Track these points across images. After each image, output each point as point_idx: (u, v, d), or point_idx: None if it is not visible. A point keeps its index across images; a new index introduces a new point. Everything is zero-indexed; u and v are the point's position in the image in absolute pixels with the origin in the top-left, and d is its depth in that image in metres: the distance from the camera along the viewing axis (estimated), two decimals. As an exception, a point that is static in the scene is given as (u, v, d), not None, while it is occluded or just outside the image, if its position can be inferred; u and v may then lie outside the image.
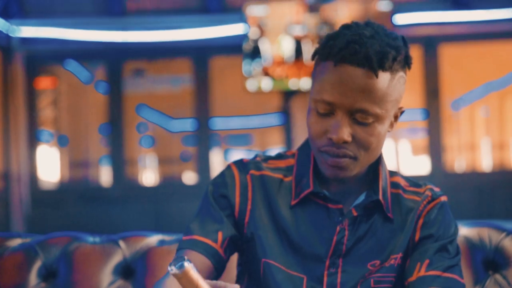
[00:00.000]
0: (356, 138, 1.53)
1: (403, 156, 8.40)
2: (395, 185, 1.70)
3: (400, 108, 1.61)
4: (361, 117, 1.51)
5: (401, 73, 1.55)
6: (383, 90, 1.51)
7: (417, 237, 1.64)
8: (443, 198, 1.69)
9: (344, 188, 1.65)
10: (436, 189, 1.70)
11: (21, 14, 7.81)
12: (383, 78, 1.50)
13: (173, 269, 1.14)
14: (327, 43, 1.54)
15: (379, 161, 1.68)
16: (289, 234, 1.63)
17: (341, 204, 1.63)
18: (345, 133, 1.51)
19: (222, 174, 1.72)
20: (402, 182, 1.71)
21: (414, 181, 1.72)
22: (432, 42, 7.78)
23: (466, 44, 8.03)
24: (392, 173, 1.73)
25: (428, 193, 1.68)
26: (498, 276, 1.95)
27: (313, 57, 1.59)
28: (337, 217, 1.62)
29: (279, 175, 1.70)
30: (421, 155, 8.02)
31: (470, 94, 8.33)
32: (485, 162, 8.35)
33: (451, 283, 1.58)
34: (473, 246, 1.98)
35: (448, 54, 7.90)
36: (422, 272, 1.59)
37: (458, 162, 8.40)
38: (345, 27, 1.56)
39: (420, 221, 1.65)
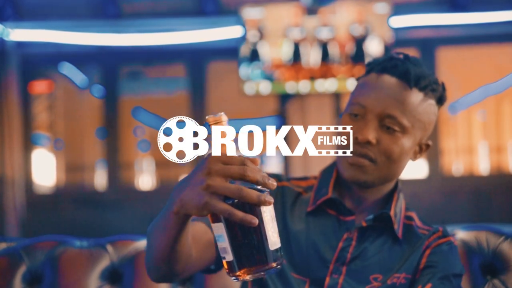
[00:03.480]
0: (380, 143, 1.63)
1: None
2: (409, 218, 1.77)
3: (427, 140, 1.74)
4: (389, 122, 1.63)
5: (433, 102, 1.71)
6: (414, 104, 1.65)
7: (422, 264, 1.66)
8: (453, 240, 1.72)
9: (359, 204, 1.72)
10: (449, 232, 1.75)
11: (15, 17, 7.77)
12: (416, 94, 1.66)
13: (210, 116, 1.25)
14: (374, 61, 1.73)
15: (395, 188, 1.76)
16: (299, 240, 1.68)
17: (354, 216, 1.71)
18: (370, 134, 1.61)
19: None
20: (417, 219, 1.78)
21: (428, 223, 1.79)
22: (429, 44, 7.75)
23: (463, 47, 8.01)
24: (409, 209, 1.79)
25: (440, 228, 1.74)
26: (496, 281, 1.92)
27: (358, 79, 1.76)
28: (347, 227, 1.69)
29: (298, 190, 1.79)
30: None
31: (467, 97, 8.30)
32: (483, 166, 8.32)
33: None
34: (470, 250, 1.95)
35: (445, 57, 7.87)
36: None
37: (455, 166, 8.36)
38: (394, 53, 1.76)
39: (428, 251, 1.68)
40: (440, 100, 1.75)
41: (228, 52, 7.56)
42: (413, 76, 1.66)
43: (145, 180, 8.65)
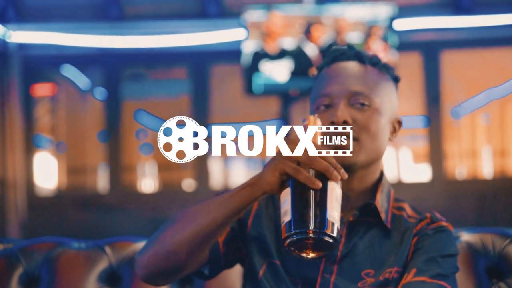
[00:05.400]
0: (356, 121, 1.63)
1: (403, 164, 8.35)
2: (400, 208, 1.74)
3: (396, 118, 1.75)
4: (357, 100, 1.64)
5: (388, 77, 1.73)
6: (374, 78, 1.69)
7: (410, 253, 1.64)
8: (445, 224, 1.69)
9: (346, 201, 1.65)
10: (440, 216, 1.72)
11: (18, 19, 7.77)
12: (372, 70, 1.70)
13: (309, 116, 1.39)
14: (320, 63, 1.77)
15: (380, 179, 1.74)
16: None
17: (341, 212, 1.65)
18: (345, 114, 1.62)
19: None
20: (408, 209, 1.75)
21: (420, 211, 1.76)
22: (433, 48, 7.73)
23: (467, 50, 7.98)
24: (400, 200, 1.78)
25: (427, 215, 1.71)
26: (502, 285, 1.89)
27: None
28: None
29: None
30: (422, 163, 7.97)
31: (471, 101, 8.29)
32: (486, 170, 8.30)
33: None
34: (476, 253, 1.91)
35: (449, 60, 7.85)
36: (408, 279, 1.57)
37: (459, 170, 8.34)
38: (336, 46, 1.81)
39: (415, 238, 1.66)
40: (396, 79, 1.77)
41: (231, 54, 7.54)
42: (363, 55, 1.71)
43: (147, 183, 8.64)
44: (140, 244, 1.96)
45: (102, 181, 8.34)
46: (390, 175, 8.11)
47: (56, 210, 7.84)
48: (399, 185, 7.81)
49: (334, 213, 1.31)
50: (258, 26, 7.24)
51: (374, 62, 1.72)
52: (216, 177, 8.33)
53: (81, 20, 7.87)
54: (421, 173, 7.93)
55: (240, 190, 1.43)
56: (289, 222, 1.29)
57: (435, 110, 7.79)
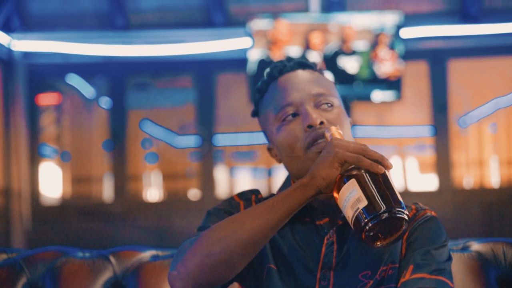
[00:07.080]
0: (329, 121, 1.64)
1: (410, 173, 8.32)
2: None
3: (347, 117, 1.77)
4: (321, 101, 1.66)
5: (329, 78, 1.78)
6: (323, 80, 1.72)
7: (403, 249, 1.63)
8: (430, 212, 1.70)
9: (328, 203, 1.67)
10: (423, 206, 1.73)
11: (23, 28, 7.77)
12: (316, 73, 1.73)
13: (331, 127, 1.50)
14: (260, 84, 1.78)
15: None
16: (282, 252, 1.65)
17: (327, 217, 1.67)
18: (319, 116, 1.62)
19: (226, 200, 1.77)
20: None
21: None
22: (439, 56, 7.71)
23: (475, 58, 7.96)
24: None
25: (412, 206, 1.71)
26: (514, 295, 1.84)
27: (256, 104, 1.81)
28: (325, 230, 1.65)
29: None
30: (429, 173, 7.95)
31: (478, 110, 8.26)
32: (494, 179, 8.27)
33: (438, 285, 1.53)
34: (486, 263, 1.88)
35: (456, 68, 7.83)
36: (407, 277, 1.56)
37: (466, 179, 8.31)
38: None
39: (406, 233, 1.63)
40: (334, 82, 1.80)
41: (236, 63, 7.54)
42: (303, 62, 1.74)
43: (153, 192, 8.62)
44: (145, 254, 1.93)
45: (107, 191, 8.32)
46: (397, 184, 8.08)
47: (60, 220, 7.83)
48: (406, 194, 7.77)
49: (398, 192, 1.37)
50: (264, 34, 7.23)
51: (314, 67, 1.75)
52: (222, 187, 8.31)
53: (87, 29, 7.87)
54: (428, 182, 7.90)
55: (292, 192, 1.44)
56: (367, 206, 1.34)
57: (442, 119, 7.77)
